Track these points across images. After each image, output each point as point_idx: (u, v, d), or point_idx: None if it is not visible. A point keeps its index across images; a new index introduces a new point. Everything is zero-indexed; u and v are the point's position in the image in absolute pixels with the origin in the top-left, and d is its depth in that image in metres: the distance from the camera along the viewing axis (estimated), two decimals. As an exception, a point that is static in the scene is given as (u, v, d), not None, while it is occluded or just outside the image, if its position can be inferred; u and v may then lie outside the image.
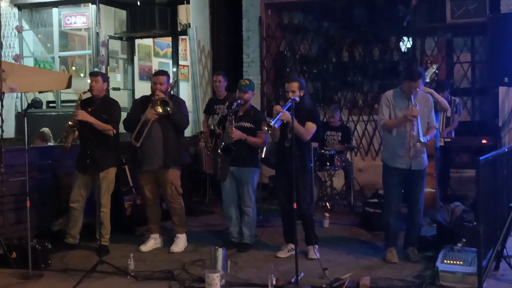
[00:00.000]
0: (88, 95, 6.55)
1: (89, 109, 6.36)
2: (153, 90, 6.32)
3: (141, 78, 13.21)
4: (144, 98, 6.57)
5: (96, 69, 10.41)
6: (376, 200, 7.47)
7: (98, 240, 6.34)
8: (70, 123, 6.38)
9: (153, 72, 7.11)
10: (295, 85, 6.01)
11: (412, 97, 5.71)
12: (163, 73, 6.51)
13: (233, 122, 6.26)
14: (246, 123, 6.36)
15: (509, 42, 5.12)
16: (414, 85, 5.73)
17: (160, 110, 6.20)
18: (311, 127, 6.00)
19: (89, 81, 6.63)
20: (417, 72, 5.81)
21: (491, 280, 5.07)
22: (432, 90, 7.13)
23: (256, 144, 6.36)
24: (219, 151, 6.26)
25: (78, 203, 6.51)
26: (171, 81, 6.74)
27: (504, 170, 5.55)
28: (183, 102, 6.72)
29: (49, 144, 8.55)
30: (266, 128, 5.67)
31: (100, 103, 6.46)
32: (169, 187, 6.46)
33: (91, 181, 6.45)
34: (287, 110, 5.65)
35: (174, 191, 6.49)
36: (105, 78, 6.57)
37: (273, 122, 5.59)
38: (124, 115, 6.71)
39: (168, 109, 6.19)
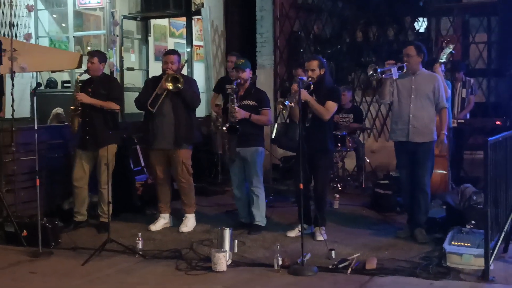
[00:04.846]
0: (86, 76, 6.64)
1: (89, 90, 6.45)
2: (164, 69, 6.34)
3: (156, 59, 13.16)
4: (155, 78, 6.58)
5: (109, 49, 10.43)
6: (386, 182, 7.44)
7: (99, 217, 6.52)
8: (72, 107, 6.45)
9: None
10: (314, 63, 5.94)
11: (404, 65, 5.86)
12: (173, 52, 6.51)
13: (235, 102, 6.21)
14: (249, 101, 6.32)
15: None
16: (404, 51, 5.89)
17: (170, 86, 6.20)
18: (332, 106, 5.93)
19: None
20: (410, 41, 5.98)
21: (499, 262, 5.04)
22: None
23: (261, 121, 6.32)
24: (224, 129, 6.25)
25: (81, 180, 6.58)
26: (182, 60, 6.74)
27: (515, 152, 5.47)
28: (194, 81, 6.72)
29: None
30: (281, 107, 5.66)
31: (99, 82, 6.53)
32: (179, 167, 6.48)
33: (92, 158, 6.55)
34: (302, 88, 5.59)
35: (184, 171, 6.51)
36: (102, 58, 6.59)
37: (287, 101, 5.58)
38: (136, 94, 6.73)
39: (179, 85, 6.18)
